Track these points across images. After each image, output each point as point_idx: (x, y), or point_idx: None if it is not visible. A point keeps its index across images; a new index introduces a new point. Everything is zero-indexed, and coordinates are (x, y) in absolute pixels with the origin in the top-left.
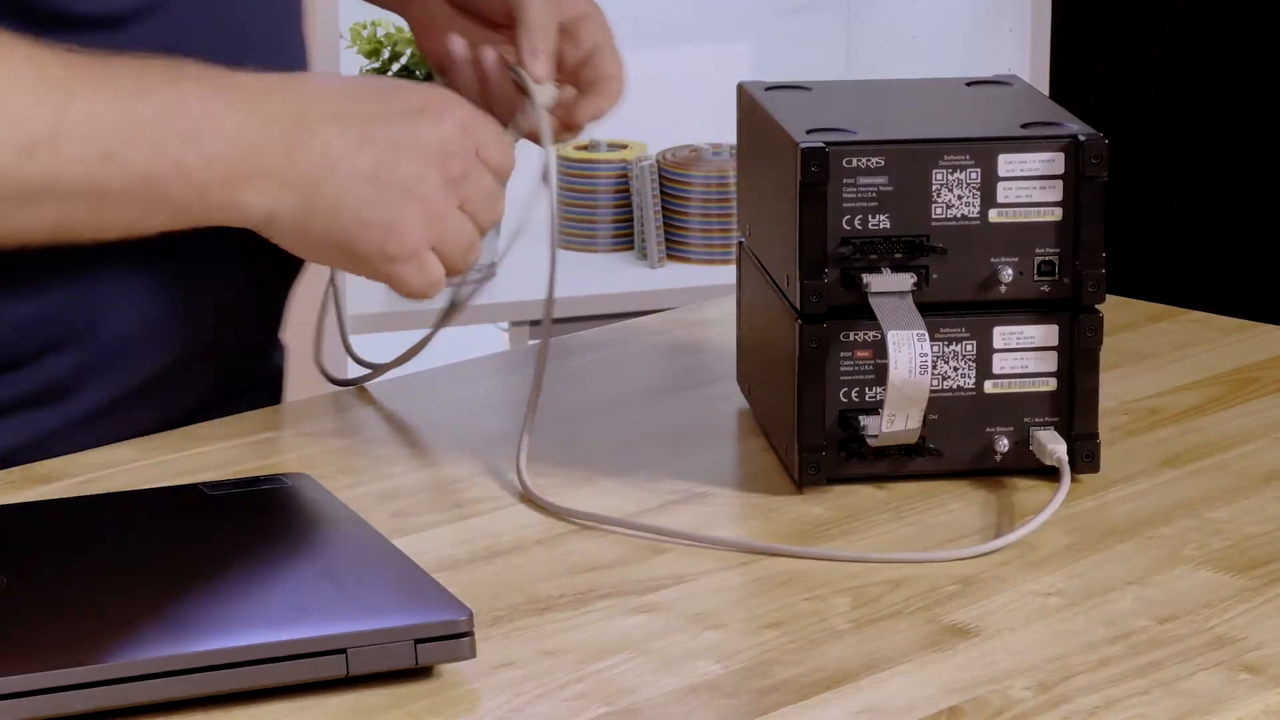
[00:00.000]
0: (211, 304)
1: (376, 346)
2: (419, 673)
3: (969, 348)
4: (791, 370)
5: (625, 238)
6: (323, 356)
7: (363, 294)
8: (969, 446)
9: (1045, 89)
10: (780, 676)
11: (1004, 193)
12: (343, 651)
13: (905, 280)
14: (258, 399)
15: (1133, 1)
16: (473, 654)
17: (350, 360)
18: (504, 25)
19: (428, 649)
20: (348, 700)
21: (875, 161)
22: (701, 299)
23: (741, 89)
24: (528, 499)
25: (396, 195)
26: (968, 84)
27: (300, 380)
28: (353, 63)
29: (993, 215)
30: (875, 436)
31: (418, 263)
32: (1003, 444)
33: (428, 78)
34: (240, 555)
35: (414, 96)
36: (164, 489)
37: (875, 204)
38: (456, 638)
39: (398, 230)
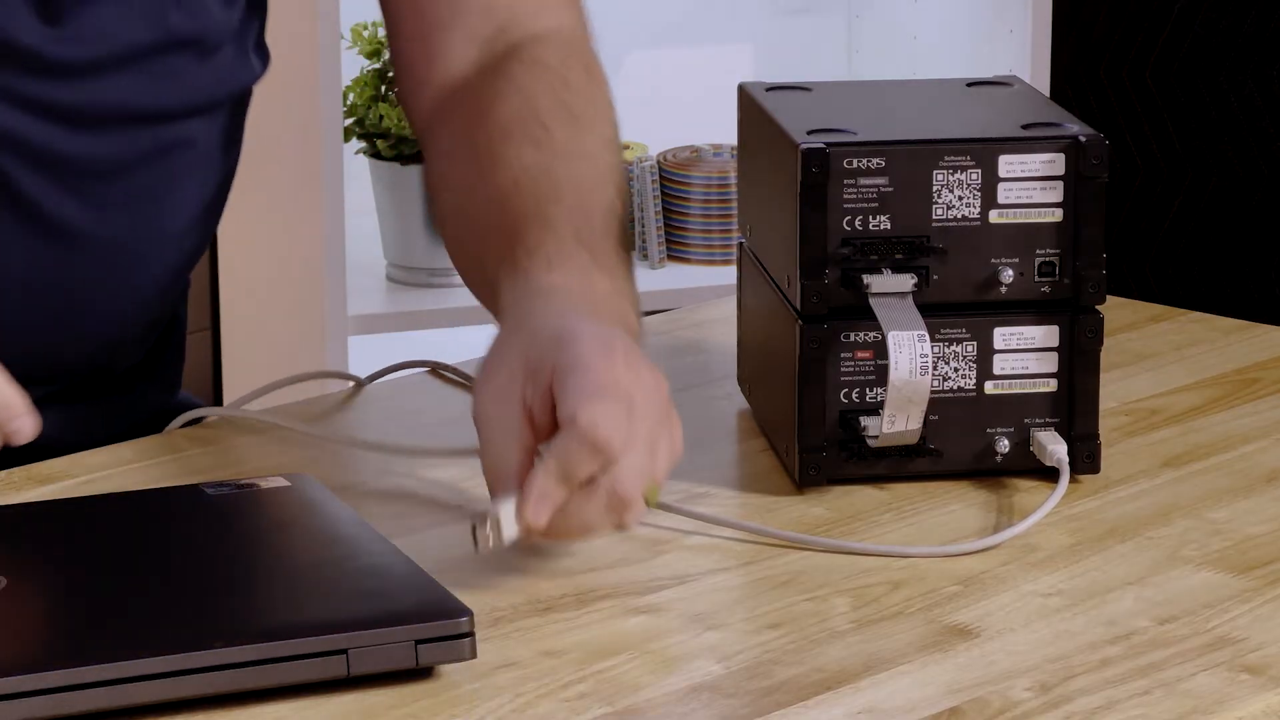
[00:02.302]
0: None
1: (377, 346)
2: (420, 673)
3: (969, 348)
4: (792, 371)
5: None
6: None
7: (364, 294)
8: (969, 447)
9: (1046, 90)
10: (781, 677)
11: (1004, 193)
12: (344, 652)
13: (906, 281)
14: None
15: (1134, 3)
16: (473, 655)
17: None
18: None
19: (428, 649)
20: (349, 700)
21: (876, 162)
22: (702, 299)
23: (742, 90)
24: None
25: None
26: (968, 85)
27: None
28: (354, 63)
29: (993, 216)
30: (875, 437)
31: None
32: (1003, 445)
33: None
34: (241, 556)
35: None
36: (165, 489)
37: (876, 205)
38: (457, 638)
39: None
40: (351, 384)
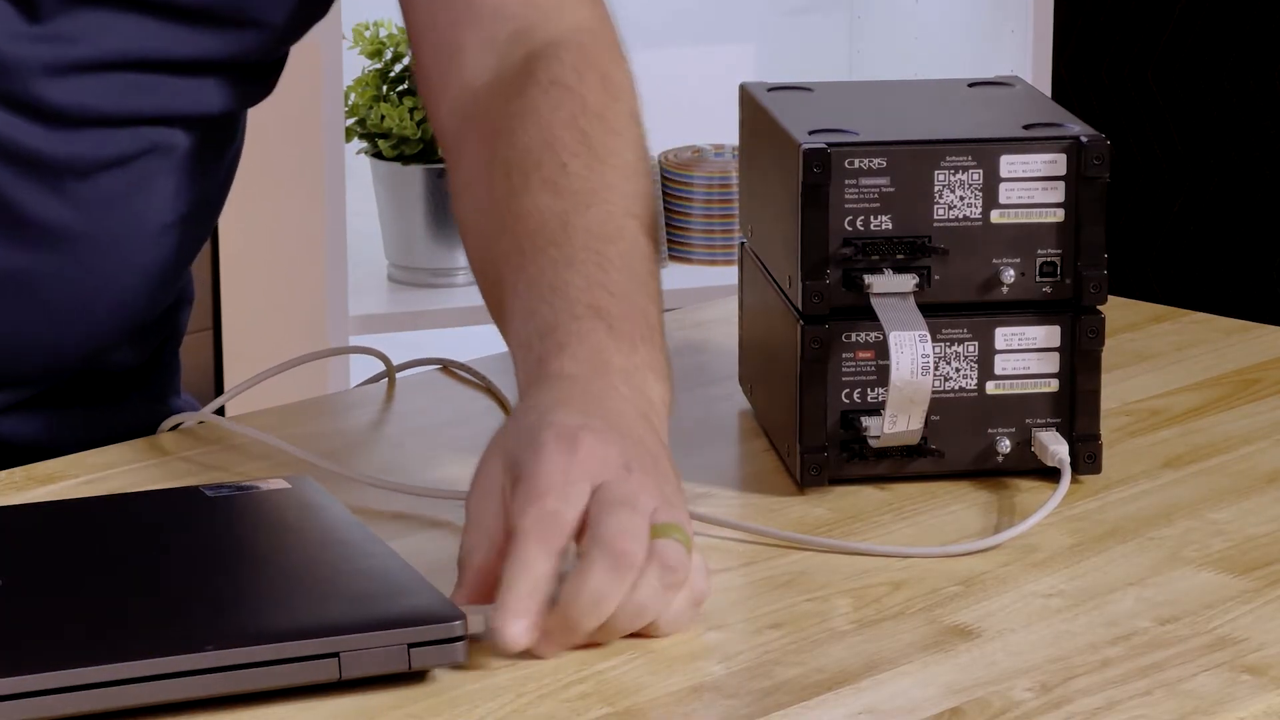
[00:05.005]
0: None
1: (378, 347)
2: (418, 674)
3: (971, 349)
4: (793, 371)
5: None
6: None
7: (365, 294)
8: (970, 447)
9: (1047, 90)
10: (782, 677)
11: (1006, 194)
12: (335, 655)
13: (907, 281)
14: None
15: (1135, 2)
16: (466, 658)
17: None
18: None
19: (421, 653)
20: (350, 701)
21: (877, 162)
22: (703, 300)
23: (744, 90)
24: None
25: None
26: (970, 85)
27: (302, 381)
28: (355, 63)
29: (994, 216)
30: (877, 437)
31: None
32: (1004, 445)
33: None
34: (238, 558)
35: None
36: (164, 490)
37: (877, 205)
38: (449, 642)
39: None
40: (354, 383)
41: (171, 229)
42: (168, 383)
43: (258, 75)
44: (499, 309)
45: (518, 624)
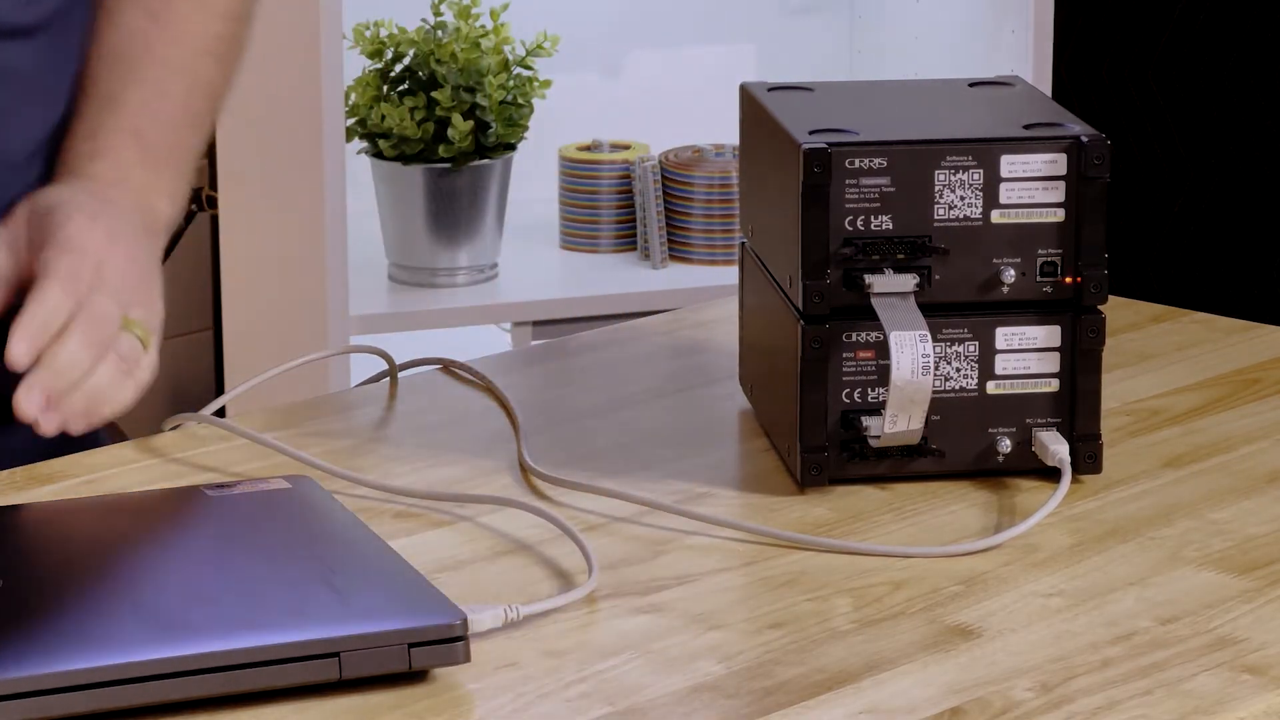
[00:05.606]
0: None
1: (379, 346)
2: (419, 674)
3: (971, 348)
4: (793, 371)
5: (628, 238)
6: None
7: (366, 294)
8: (971, 447)
9: (1048, 90)
10: (782, 677)
11: (1006, 193)
12: (335, 655)
13: (907, 281)
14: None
15: (1136, 2)
16: (466, 658)
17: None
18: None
19: (421, 653)
20: (351, 701)
21: (877, 162)
22: (704, 300)
23: (744, 90)
24: (534, 490)
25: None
26: (970, 85)
27: (302, 381)
28: (356, 63)
29: (995, 216)
30: (877, 437)
31: None
32: (1005, 445)
33: (431, 78)
34: (238, 558)
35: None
36: (165, 490)
37: (877, 205)
38: (450, 642)
39: None
40: (354, 382)
41: (32, 157)
42: None
43: None
44: (78, 110)
45: (20, 345)
